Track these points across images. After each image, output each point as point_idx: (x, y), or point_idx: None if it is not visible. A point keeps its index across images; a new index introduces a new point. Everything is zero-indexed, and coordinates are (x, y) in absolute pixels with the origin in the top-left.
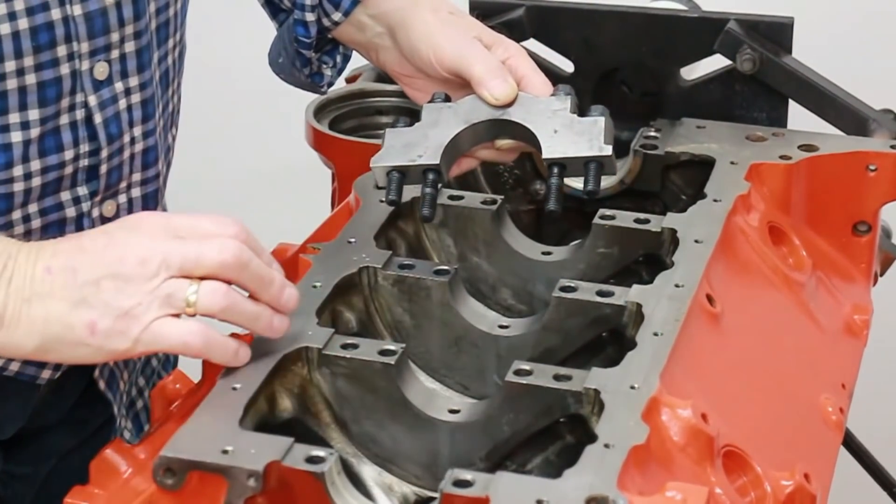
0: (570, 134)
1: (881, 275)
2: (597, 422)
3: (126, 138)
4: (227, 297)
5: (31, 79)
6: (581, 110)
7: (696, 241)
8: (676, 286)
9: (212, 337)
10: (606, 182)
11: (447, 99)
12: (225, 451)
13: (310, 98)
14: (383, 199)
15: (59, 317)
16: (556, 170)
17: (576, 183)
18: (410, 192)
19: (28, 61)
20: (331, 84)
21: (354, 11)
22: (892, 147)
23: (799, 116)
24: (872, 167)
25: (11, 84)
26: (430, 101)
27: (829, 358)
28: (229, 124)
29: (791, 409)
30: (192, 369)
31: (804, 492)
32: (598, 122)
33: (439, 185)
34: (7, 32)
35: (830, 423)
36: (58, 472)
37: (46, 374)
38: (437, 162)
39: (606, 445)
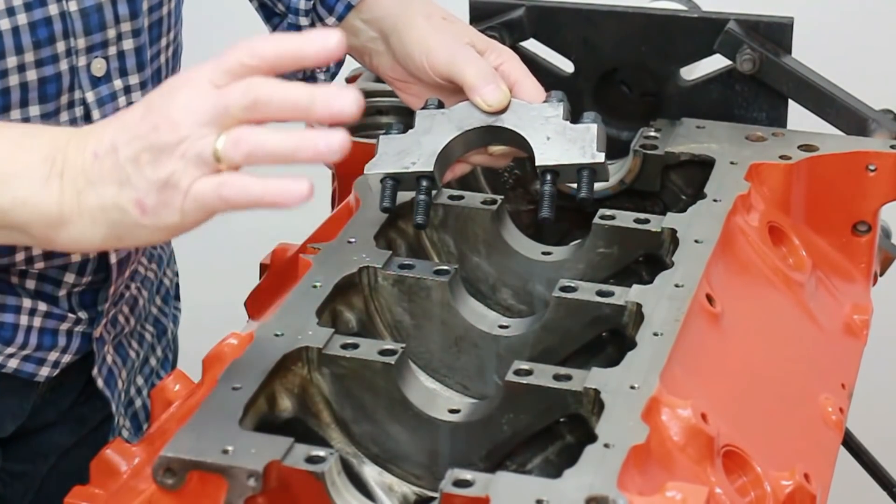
0: (562, 141)
1: (881, 275)
2: (597, 422)
3: None
4: (250, 133)
5: (31, 75)
6: (582, 111)
7: (696, 241)
8: (676, 286)
9: (248, 180)
10: (606, 182)
11: (440, 105)
12: (225, 451)
13: None
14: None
15: (112, 201)
16: (548, 177)
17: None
18: (407, 193)
19: (29, 57)
20: None
21: (348, 16)
22: (892, 147)
23: (799, 116)
24: (872, 167)
25: (13, 81)
26: (423, 108)
27: (828, 358)
28: None
29: (791, 409)
30: (192, 370)
31: (804, 492)
32: (590, 129)
33: (433, 192)
34: (7, 28)
35: (830, 423)
36: (56, 470)
37: (45, 371)
38: (431, 169)
39: (606, 445)
